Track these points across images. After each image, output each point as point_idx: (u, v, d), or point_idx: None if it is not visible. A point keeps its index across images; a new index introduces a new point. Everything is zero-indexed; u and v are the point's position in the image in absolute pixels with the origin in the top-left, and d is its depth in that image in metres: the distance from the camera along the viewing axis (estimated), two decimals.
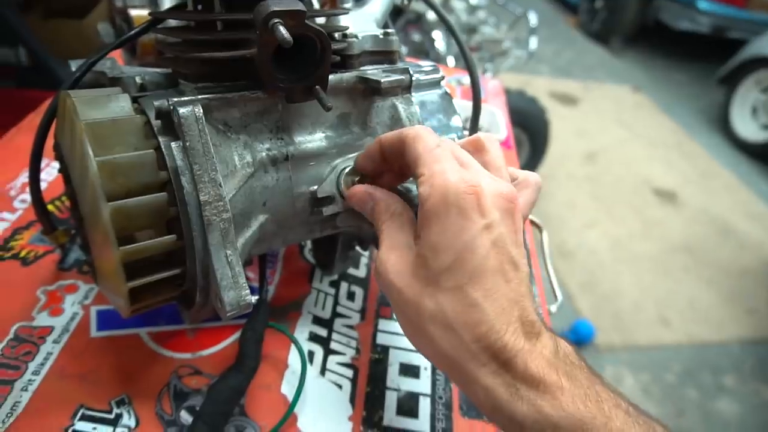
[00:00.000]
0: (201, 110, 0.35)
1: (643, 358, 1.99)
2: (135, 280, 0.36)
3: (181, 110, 0.35)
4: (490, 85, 1.05)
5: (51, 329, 0.48)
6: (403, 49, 2.43)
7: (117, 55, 0.74)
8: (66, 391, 0.44)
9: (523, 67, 2.64)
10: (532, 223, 0.73)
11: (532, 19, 2.41)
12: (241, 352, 0.44)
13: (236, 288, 0.37)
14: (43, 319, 0.49)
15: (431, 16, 2.31)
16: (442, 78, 0.49)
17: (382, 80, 0.43)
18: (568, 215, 2.59)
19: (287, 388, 0.48)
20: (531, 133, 2.24)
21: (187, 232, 0.37)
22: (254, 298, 0.51)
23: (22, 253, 0.55)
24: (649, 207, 2.77)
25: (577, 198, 2.72)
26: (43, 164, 0.51)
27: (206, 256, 0.36)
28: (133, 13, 0.66)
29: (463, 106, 0.85)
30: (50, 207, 0.59)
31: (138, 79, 0.43)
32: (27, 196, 0.61)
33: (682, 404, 1.85)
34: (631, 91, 3.91)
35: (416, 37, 2.41)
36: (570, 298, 2.13)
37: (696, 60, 4.43)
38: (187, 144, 0.35)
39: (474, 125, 0.54)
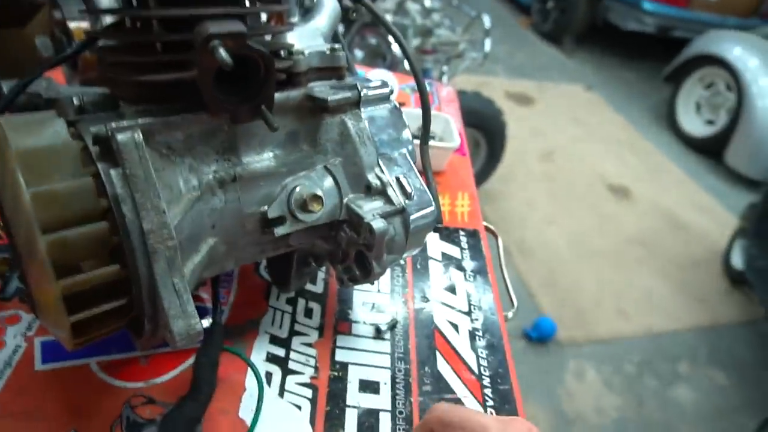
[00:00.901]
0: (141, 136, 0.34)
1: (604, 351, 2.04)
2: (78, 313, 0.34)
3: (120, 136, 0.34)
4: (444, 92, 1.06)
5: None
6: (359, 54, 2.44)
7: (58, 71, 0.71)
8: (10, 431, 0.42)
9: (479, 68, 2.67)
10: (487, 229, 0.74)
11: (486, 21, 2.45)
12: (195, 379, 0.43)
13: (185, 317, 0.36)
14: None
15: (387, 18, 2.31)
16: (391, 92, 0.49)
17: (329, 98, 0.42)
18: (527, 213, 2.64)
19: (245, 412, 0.47)
20: (489, 134, 2.28)
21: (132, 261, 0.35)
22: (207, 322, 0.49)
23: None
24: (604, 202, 2.85)
25: (535, 196, 2.77)
26: None
27: (153, 285, 0.35)
28: (72, 25, 0.64)
29: (417, 114, 0.86)
30: None
31: (76, 101, 0.41)
32: None
33: (642, 394, 1.91)
34: (584, 90, 4.02)
35: (373, 40, 2.42)
36: (532, 296, 2.17)
37: (644, 58, 4.59)
38: (128, 171, 0.34)
39: (425, 134, 0.54)
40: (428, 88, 1.07)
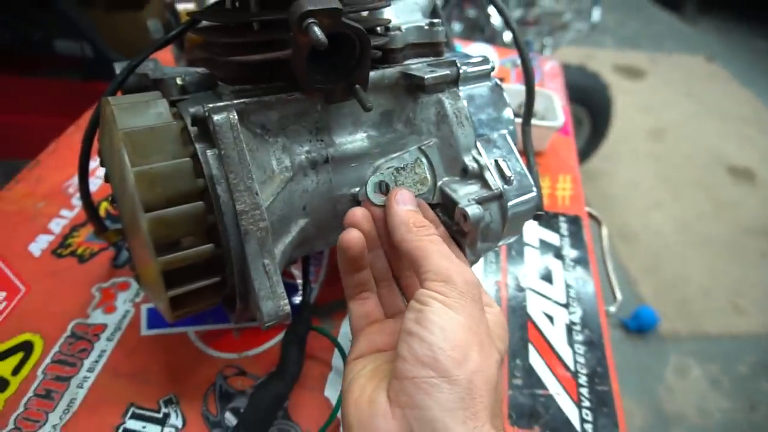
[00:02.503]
0: (236, 116, 0.34)
1: (712, 348, 1.88)
2: (175, 288, 0.35)
3: (216, 117, 0.34)
4: (547, 66, 0.99)
5: (104, 327, 0.50)
6: (457, 27, 2.36)
7: (167, 50, 0.75)
8: (118, 390, 0.45)
9: (585, 39, 2.49)
10: (590, 215, 0.69)
11: None
12: (282, 358, 0.44)
13: (274, 298, 0.36)
14: (97, 317, 0.50)
15: None
16: (493, 69, 0.46)
17: (426, 76, 0.40)
18: (631, 196, 2.46)
19: (331, 392, 0.47)
20: (592, 110, 2.13)
21: (226, 241, 0.36)
22: (297, 300, 0.50)
23: (79, 251, 0.56)
24: (722, 186, 2.59)
25: (641, 178, 2.58)
26: (98, 161, 0.51)
27: (244, 265, 0.36)
28: (180, 7, 0.66)
29: (518, 90, 0.81)
30: (105, 204, 0.61)
31: (179, 81, 0.42)
32: None
33: (755, 397, 1.74)
34: (704, 61, 3.64)
35: (471, 13, 2.33)
36: (632, 284, 2.03)
37: None
38: (222, 152, 0.34)
39: (528, 113, 0.51)
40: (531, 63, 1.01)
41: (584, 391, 0.51)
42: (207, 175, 0.35)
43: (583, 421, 0.48)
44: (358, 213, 0.38)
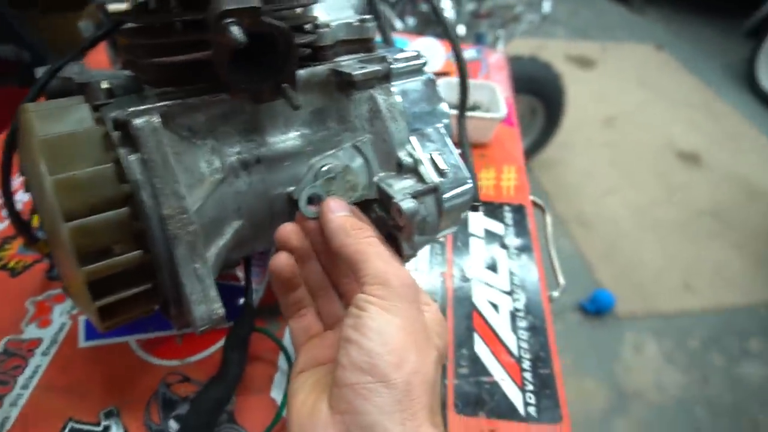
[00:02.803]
0: (158, 120, 0.34)
1: (666, 325, 1.95)
2: (103, 297, 0.35)
3: (136, 121, 0.33)
4: (492, 58, 1.01)
5: (40, 341, 0.48)
6: (412, 21, 2.37)
7: (102, 52, 0.73)
8: (55, 405, 0.44)
9: (537, 31, 2.54)
10: (534, 204, 0.70)
11: None
12: (224, 360, 0.44)
13: (207, 302, 0.35)
14: (31, 331, 0.49)
15: None
16: (425, 63, 0.47)
17: (355, 72, 0.40)
18: (586, 183, 2.53)
19: (276, 393, 0.47)
20: (546, 100, 2.17)
21: (154, 246, 0.35)
22: (240, 301, 0.50)
23: (11, 264, 0.54)
24: (673, 171, 2.69)
25: (595, 165, 2.65)
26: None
27: (175, 271, 0.35)
28: (111, 7, 0.64)
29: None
30: (36, 216, 0.59)
31: (105, 84, 0.41)
32: None
33: (707, 371, 1.82)
34: (654, 49, 3.76)
35: (424, 7, 2.34)
36: (590, 269, 2.09)
37: (721, 13, 4.23)
38: (145, 157, 0.33)
39: (462, 105, 0.51)
40: (477, 55, 1.02)
41: (527, 375, 0.52)
42: (131, 181, 0.34)
43: (526, 404, 0.50)
44: (287, 229, 0.39)
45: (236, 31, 0.31)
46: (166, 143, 0.34)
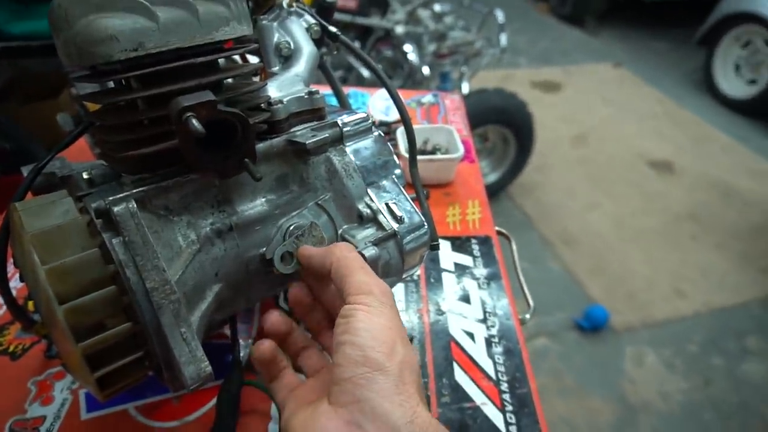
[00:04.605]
0: (134, 205, 0.38)
1: (662, 333, 1.98)
2: (100, 369, 0.38)
3: (116, 209, 0.38)
4: (448, 101, 1.08)
5: (43, 419, 0.51)
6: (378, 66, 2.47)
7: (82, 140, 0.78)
8: None
9: (501, 62, 2.66)
10: (499, 233, 0.75)
11: (500, 16, 2.44)
12: (217, 416, 0.47)
13: (195, 362, 0.39)
14: (35, 410, 0.52)
15: (399, 30, 2.35)
16: (372, 124, 0.52)
17: (308, 141, 0.45)
18: (566, 201, 2.59)
19: None
20: (515, 128, 2.26)
21: (142, 317, 0.39)
22: (229, 358, 0.53)
23: (11, 348, 0.58)
24: (647, 180, 2.77)
25: (573, 183, 2.72)
26: None
27: (162, 337, 0.39)
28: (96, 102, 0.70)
29: (420, 129, 0.88)
30: (31, 302, 0.62)
31: (86, 175, 0.46)
32: None
33: (709, 373, 1.84)
34: (612, 67, 3.91)
35: (388, 52, 2.45)
36: (580, 286, 2.13)
37: (672, 26, 4.44)
38: (127, 239, 0.37)
39: (412, 154, 0.56)
40: (435, 99, 1.09)
41: (506, 396, 0.55)
42: (116, 261, 0.38)
43: (507, 424, 0.53)
44: (271, 318, 0.43)
45: (195, 123, 0.36)
46: (144, 224, 0.38)
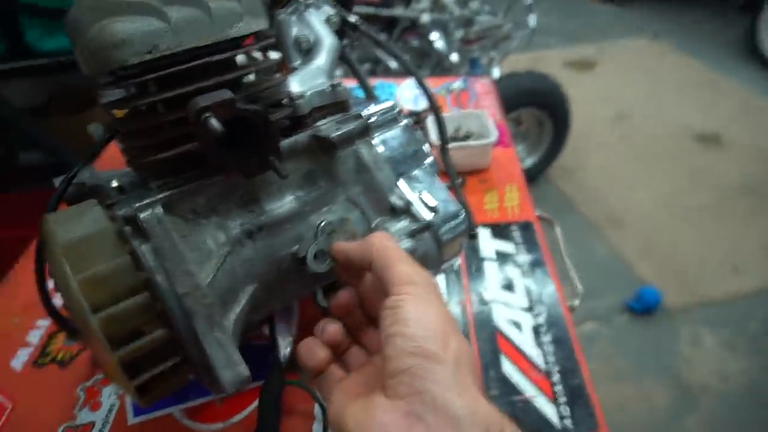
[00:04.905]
0: (161, 210, 0.38)
1: (720, 313, 1.89)
2: (138, 376, 0.38)
3: (142, 215, 0.37)
4: (478, 86, 1.04)
5: (93, 424, 0.52)
6: (405, 55, 2.44)
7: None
8: None
9: (532, 44, 2.58)
10: (541, 218, 0.72)
11: None
12: (259, 417, 0.46)
13: (231, 366, 0.38)
14: (84, 416, 0.52)
15: (425, 18, 2.31)
16: (399, 113, 0.50)
17: (332, 135, 0.44)
18: (610, 182, 2.51)
19: None
20: (550, 110, 2.19)
21: (175, 323, 0.39)
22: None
23: (59, 356, 0.59)
24: (694, 155, 2.65)
25: (615, 162, 2.63)
26: None
27: (198, 342, 0.38)
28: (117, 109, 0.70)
29: (450, 117, 0.85)
30: None
31: (114, 183, 0.46)
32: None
33: None
34: (649, 40, 3.75)
35: (415, 42, 2.42)
36: (629, 267, 2.05)
37: None
38: (155, 245, 0.37)
39: (443, 140, 0.54)
40: (464, 85, 1.06)
41: (558, 388, 0.53)
42: (146, 267, 0.38)
43: (561, 417, 0.50)
44: (329, 330, 0.40)
45: (214, 122, 0.35)
46: (172, 228, 0.38)
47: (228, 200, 0.43)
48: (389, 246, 0.39)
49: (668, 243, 2.17)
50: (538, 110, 2.18)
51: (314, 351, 0.40)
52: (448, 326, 0.34)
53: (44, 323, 0.63)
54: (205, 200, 0.42)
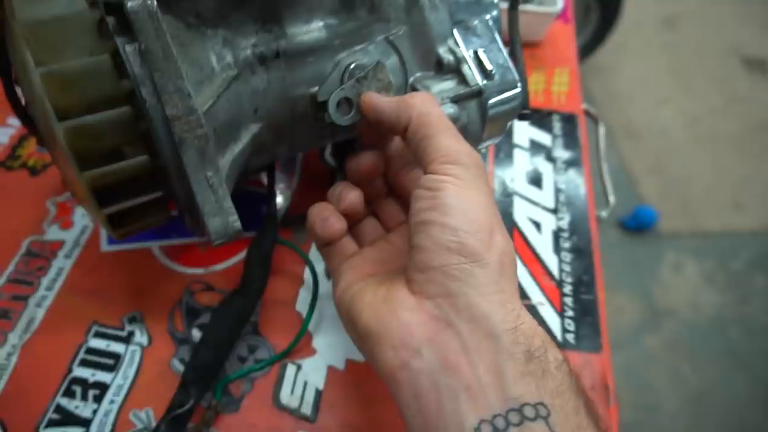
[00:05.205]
0: (155, 1, 0.29)
1: (709, 245, 1.88)
2: (111, 206, 0.32)
3: (130, 3, 0.28)
4: None
5: (62, 243, 0.47)
6: None
7: None
8: (79, 308, 0.44)
9: None
10: (587, 113, 0.63)
11: None
12: (245, 274, 0.41)
13: (221, 214, 0.32)
14: (54, 233, 0.48)
15: None
16: None
17: None
18: (639, 90, 2.35)
19: (302, 306, 0.45)
20: None
21: (162, 151, 0.32)
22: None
23: (30, 162, 0.52)
24: (735, 79, 2.46)
25: (650, 71, 2.45)
26: None
27: (185, 178, 0.32)
28: None
29: None
30: None
31: None
32: None
33: (748, 292, 1.77)
34: None
35: None
36: (634, 184, 2.00)
37: None
38: (143, 47, 0.29)
39: None
40: None
41: (568, 300, 0.49)
42: (130, 74, 0.30)
43: (565, 330, 0.47)
44: (350, 197, 0.34)
45: None
46: (167, 30, 0.29)
47: (243, 10, 0.34)
48: (433, 112, 0.31)
49: (679, 166, 2.10)
50: None
51: (329, 220, 0.33)
52: (495, 221, 0.28)
53: (17, 122, 0.56)
54: (215, 4, 0.33)
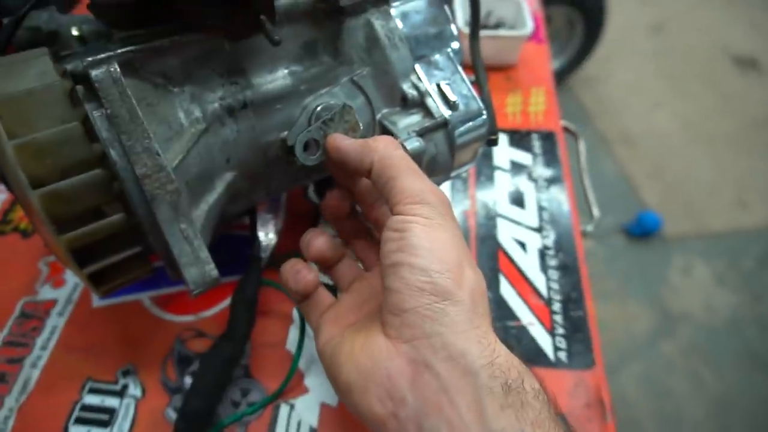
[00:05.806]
0: (117, 68, 0.30)
1: (717, 245, 1.86)
2: (91, 265, 0.33)
3: (95, 72, 0.30)
4: None
5: (55, 302, 0.48)
6: None
7: None
8: (73, 365, 0.44)
9: None
10: (566, 129, 0.64)
11: None
12: (231, 317, 0.42)
13: (198, 264, 0.33)
14: (46, 292, 0.49)
15: None
16: None
17: None
18: (632, 96, 2.36)
19: (293, 345, 0.46)
20: (584, 9, 2.00)
21: (136, 208, 0.33)
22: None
23: (22, 225, 0.54)
24: (728, 79, 2.47)
25: (641, 77, 2.46)
26: None
27: (159, 233, 0.33)
28: None
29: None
30: None
31: (75, 32, 0.38)
32: None
33: (760, 289, 1.74)
34: None
35: None
36: (635, 190, 1.99)
37: None
38: (109, 111, 0.30)
39: (474, 24, 0.45)
40: None
41: (558, 318, 0.49)
42: (100, 139, 0.31)
43: (556, 349, 0.47)
44: (317, 244, 0.35)
45: None
46: (132, 94, 0.30)
47: (207, 66, 0.35)
48: (395, 155, 0.32)
49: (679, 168, 2.09)
50: (572, 9, 1.99)
51: (301, 273, 0.34)
52: (464, 256, 0.28)
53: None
54: (180, 63, 0.34)
